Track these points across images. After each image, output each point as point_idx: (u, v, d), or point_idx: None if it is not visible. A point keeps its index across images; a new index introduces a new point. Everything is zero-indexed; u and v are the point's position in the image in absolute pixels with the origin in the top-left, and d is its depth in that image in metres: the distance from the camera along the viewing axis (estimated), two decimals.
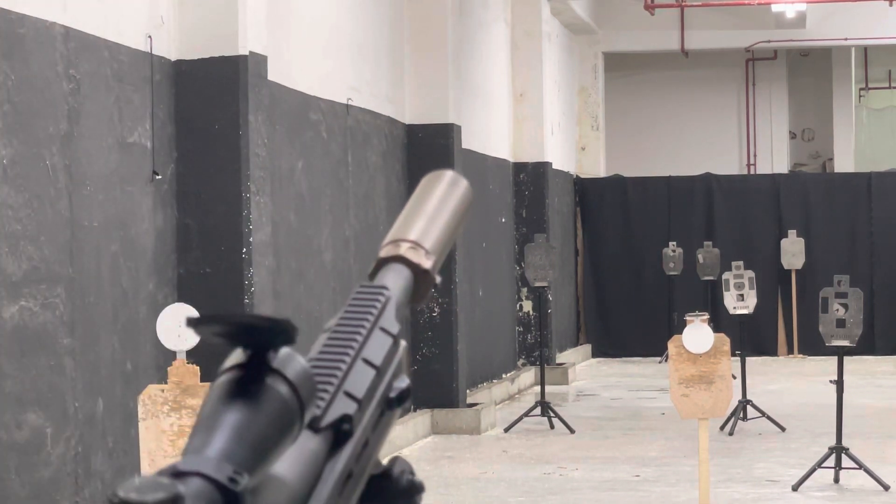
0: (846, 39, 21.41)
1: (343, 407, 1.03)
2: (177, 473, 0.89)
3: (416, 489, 1.14)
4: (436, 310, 13.05)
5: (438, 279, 1.22)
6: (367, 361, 1.08)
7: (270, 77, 9.01)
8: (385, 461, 1.18)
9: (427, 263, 1.17)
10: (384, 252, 1.17)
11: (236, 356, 1.00)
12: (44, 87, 7.04)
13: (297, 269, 9.75)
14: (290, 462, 1.03)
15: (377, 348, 1.07)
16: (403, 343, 1.12)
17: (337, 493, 1.01)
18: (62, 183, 7.18)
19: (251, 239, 8.43)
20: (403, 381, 1.13)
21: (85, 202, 7.47)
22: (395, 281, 1.18)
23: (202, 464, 0.90)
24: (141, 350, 7.86)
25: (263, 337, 0.97)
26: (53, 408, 7.06)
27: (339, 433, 1.02)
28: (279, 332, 0.96)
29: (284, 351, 0.98)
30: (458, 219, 1.32)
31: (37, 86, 6.91)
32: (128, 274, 7.89)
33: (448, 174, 1.25)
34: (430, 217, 1.16)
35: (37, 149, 6.92)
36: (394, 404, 1.15)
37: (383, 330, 1.09)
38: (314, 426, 1.04)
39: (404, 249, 1.15)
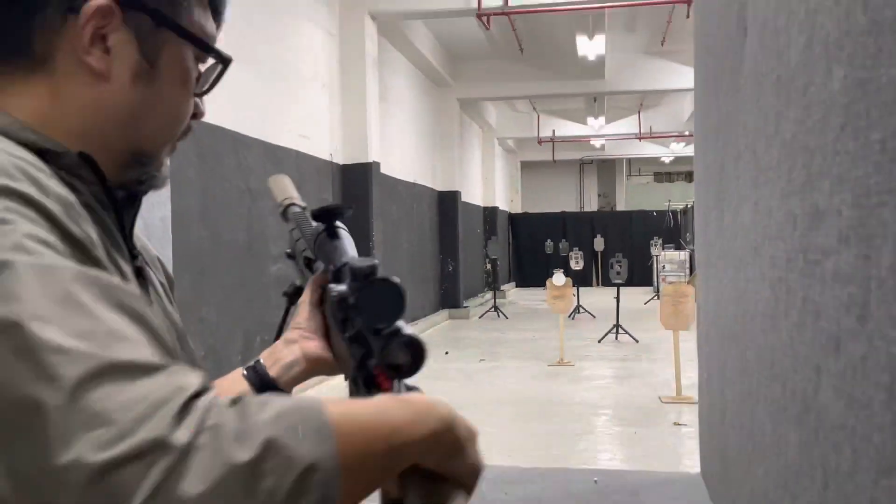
0: (622, 155, 20.95)
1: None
2: (350, 265, 0.76)
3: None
4: (450, 268, 12.77)
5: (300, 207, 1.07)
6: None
7: (383, 172, 8.88)
8: None
9: (301, 203, 1.02)
10: (284, 203, 1.01)
11: (319, 226, 0.93)
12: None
13: (388, 262, 9.54)
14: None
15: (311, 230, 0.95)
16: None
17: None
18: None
19: (371, 244, 8.13)
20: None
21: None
22: (299, 208, 1.04)
23: (357, 260, 0.77)
24: None
25: (336, 212, 0.89)
26: None
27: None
28: (343, 210, 0.88)
29: (339, 223, 0.90)
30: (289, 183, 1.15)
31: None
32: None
33: (278, 176, 1.08)
34: (286, 189, 1.01)
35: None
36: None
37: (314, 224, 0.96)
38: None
39: (292, 200, 0.99)
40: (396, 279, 0.72)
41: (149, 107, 0.75)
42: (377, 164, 8.47)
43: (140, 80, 0.73)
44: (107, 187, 0.73)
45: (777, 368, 0.73)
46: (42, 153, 0.67)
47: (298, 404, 0.52)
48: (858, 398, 0.57)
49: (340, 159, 8.18)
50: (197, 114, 0.82)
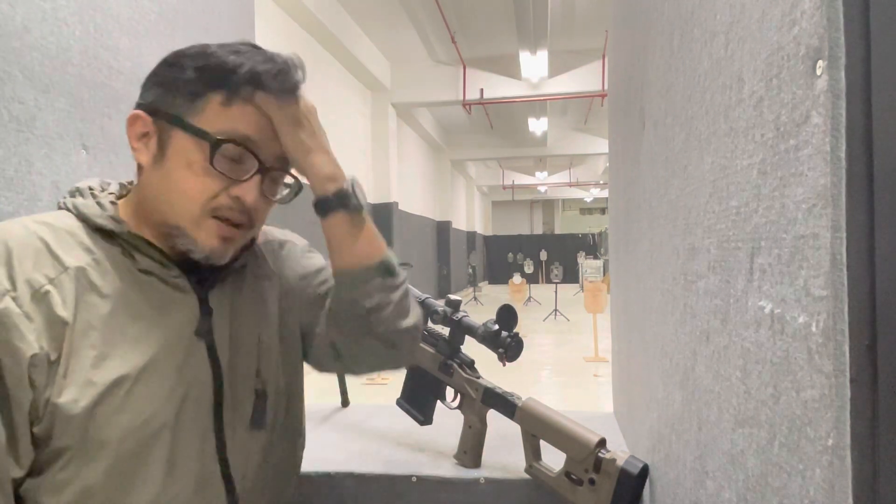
0: (558, 197, 20.93)
1: None
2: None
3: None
4: (444, 272, 12.69)
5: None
6: None
7: (401, 208, 8.70)
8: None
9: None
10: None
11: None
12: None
13: (411, 274, 8.87)
14: None
15: None
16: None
17: None
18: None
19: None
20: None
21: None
22: None
23: (451, 298, 0.77)
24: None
25: (399, 264, 0.75)
26: None
27: None
28: (401, 263, 0.74)
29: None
30: None
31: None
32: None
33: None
34: None
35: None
36: None
37: None
38: None
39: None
40: (513, 305, 0.82)
41: (161, 187, 0.63)
42: (396, 203, 8.43)
43: (154, 165, 0.63)
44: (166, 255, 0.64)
45: (666, 349, 0.73)
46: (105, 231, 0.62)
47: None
48: (722, 373, 0.57)
49: (372, 199, 8.15)
50: (239, 199, 0.63)
